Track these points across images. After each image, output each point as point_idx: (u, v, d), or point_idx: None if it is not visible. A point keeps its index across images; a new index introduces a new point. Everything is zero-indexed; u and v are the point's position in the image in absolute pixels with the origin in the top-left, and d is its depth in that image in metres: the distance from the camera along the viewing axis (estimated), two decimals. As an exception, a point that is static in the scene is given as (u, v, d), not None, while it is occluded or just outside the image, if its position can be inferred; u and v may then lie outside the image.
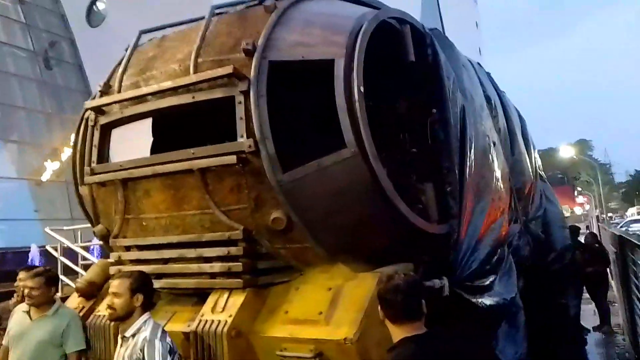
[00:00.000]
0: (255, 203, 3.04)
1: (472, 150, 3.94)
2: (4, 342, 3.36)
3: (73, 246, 7.84)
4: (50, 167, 16.99)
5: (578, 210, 35.91)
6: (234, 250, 3.05)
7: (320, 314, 2.79)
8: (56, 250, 8.10)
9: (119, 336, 2.77)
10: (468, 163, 3.78)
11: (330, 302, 2.84)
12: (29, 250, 13.02)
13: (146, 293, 2.74)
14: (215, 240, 3.12)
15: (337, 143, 2.98)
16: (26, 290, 3.27)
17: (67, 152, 17.03)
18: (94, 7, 19.24)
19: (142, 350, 2.57)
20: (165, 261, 3.38)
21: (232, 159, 2.96)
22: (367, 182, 2.95)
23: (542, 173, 8.28)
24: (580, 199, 36.88)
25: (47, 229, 8.51)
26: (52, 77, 18.05)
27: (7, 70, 17.09)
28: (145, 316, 2.74)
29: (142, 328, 2.68)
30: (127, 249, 3.56)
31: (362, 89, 2.95)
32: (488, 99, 5.34)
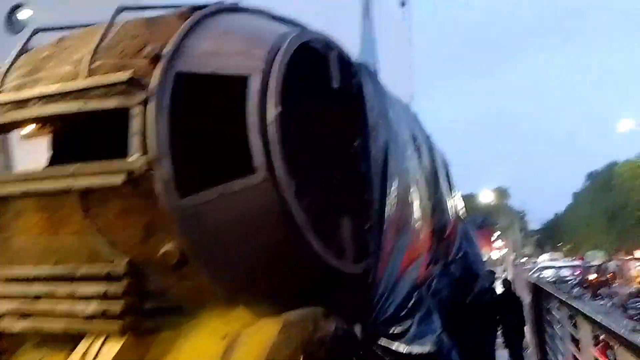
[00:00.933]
0: (146, 231, 2.62)
1: (394, 187, 3.76)
2: None
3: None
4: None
5: (495, 254, 37.57)
6: (113, 288, 2.58)
7: (212, 365, 2.38)
8: None
9: None
10: (389, 199, 3.58)
11: (224, 353, 2.44)
12: None
13: None
14: (93, 275, 2.64)
15: (246, 167, 2.66)
16: None
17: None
18: (16, 14, 17.97)
19: None
20: (35, 297, 2.84)
21: (120, 178, 2.54)
22: (277, 212, 2.63)
23: (464, 215, 8.40)
24: (497, 244, 38.68)
25: None
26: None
27: None
28: None
29: None
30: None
31: (279, 108, 2.67)
32: (414, 138, 5.27)
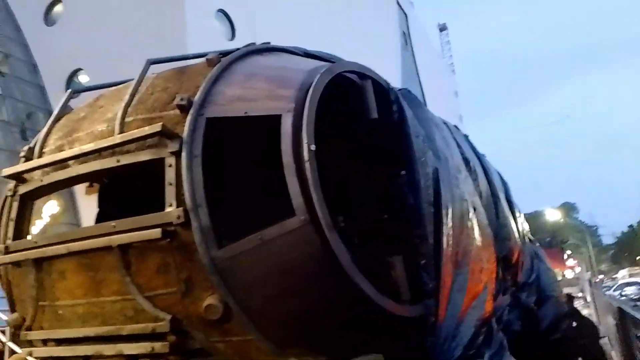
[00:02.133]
0: (186, 286, 2.51)
1: (449, 217, 3.49)
2: None
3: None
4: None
5: (569, 274, 35.25)
6: (159, 346, 2.47)
7: None
8: (4, 333, 7.27)
9: None
10: (444, 231, 3.31)
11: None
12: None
13: None
14: (137, 334, 2.55)
15: (284, 211, 2.51)
16: None
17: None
18: (75, 78, 19.26)
19: None
20: (85, 358, 2.78)
21: (157, 232, 2.46)
22: (321, 257, 2.44)
23: (530, 236, 7.85)
24: (570, 262, 36.36)
25: None
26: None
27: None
28: None
29: None
30: (44, 342, 2.96)
31: (313, 147, 2.52)
32: (467, 161, 4.96)
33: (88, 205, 3.64)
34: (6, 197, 3.28)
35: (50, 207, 16.29)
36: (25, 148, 3.30)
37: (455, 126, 6.34)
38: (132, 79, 3.42)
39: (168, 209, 2.52)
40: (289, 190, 2.48)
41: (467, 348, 3.41)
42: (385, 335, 2.77)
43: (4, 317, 7.41)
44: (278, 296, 2.49)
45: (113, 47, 16.61)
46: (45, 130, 3.18)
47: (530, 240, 7.28)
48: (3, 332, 7.34)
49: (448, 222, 3.44)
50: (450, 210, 3.54)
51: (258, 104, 2.72)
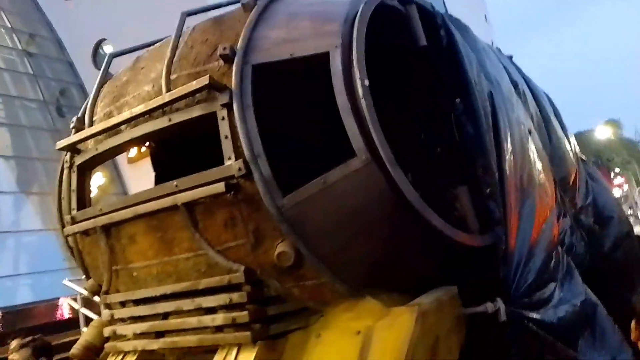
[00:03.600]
0: (255, 237, 2.51)
1: (509, 142, 3.34)
2: None
3: (93, 297, 7.43)
4: (74, 215, 16.85)
5: (617, 192, 34.21)
6: (236, 296, 2.51)
7: (350, 367, 2.22)
8: (76, 301, 7.73)
9: None
10: (506, 157, 3.18)
11: (360, 351, 2.27)
12: (57, 302, 12.77)
13: (47, 355, 2.98)
14: (213, 287, 2.59)
15: (344, 153, 2.44)
16: None
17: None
18: (100, 50, 19.30)
19: None
20: (165, 316, 2.87)
21: (221, 187, 2.44)
22: (387, 195, 2.38)
23: (582, 156, 7.54)
24: (617, 180, 35.24)
25: (64, 281, 8.17)
26: (65, 124, 18.05)
27: (20, 124, 17.17)
28: None
29: None
30: (123, 304, 3.07)
31: (366, 82, 2.41)
32: (515, 84, 4.71)
33: (132, 174, 3.65)
34: (63, 169, 3.33)
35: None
36: (74, 119, 3.32)
37: (498, 48, 6.02)
38: (169, 36, 3.35)
39: (227, 162, 2.48)
40: (346, 130, 2.40)
41: (541, 272, 3.34)
42: (458, 267, 2.73)
43: (74, 287, 7.82)
44: (347, 237, 2.47)
45: (134, 15, 16.48)
46: (91, 98, 3.17)
47: (583, 161, 7.01)
48: (75, 300, 7.77)
49: (508, 148, 3.31)
50: (509, 136, 3.39)
51: (303, 43, 2.60)
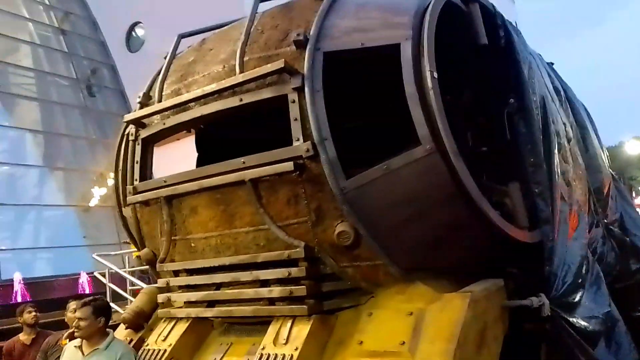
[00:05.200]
0: (316, 215, 2.63)
1: (556, 146, 3.42)
2: None
3: (121, 271, 7.65)
4: (97, 193, 17.18)
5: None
6: (295, 271, 2.64)
7: (403, 344, 2.33)
8: (104, 276, 7.94)
9: (85, 350, 3.01)
10: (555, 159, 3.26)
11: (412, 330, 2.38)
12: (79, 277, 13.08)
13: (107, 316, 3.07)
14: (273, 261, 2.72)
15: (407, 141, 2.55)
16: (74, 322, 2.98)
17: (112, 178, 17.21)
18: (133, 32, 19.60)
19: (120, 358, 2.95)
20: (218, 286, 3.01)
21: (289, 166, 2.57)
22: (448, 185, 2.49)
23: (612, 172, 7.55)
24: (638, 200, 34.73)
25: (94, 255, 8.38)
26: (94, 104, 18.40)
27: (50, 99, 17.54)
28: (111, 334, 3.09)
29: (112, 343, 3.03)
30: (176, 273, 3.22)
31: (435, 74, 2.51)
32: (557, 91, 4.79)
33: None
34: (128, 141, 3.48)
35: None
36: (140, 94, 3.47)
37: (539, 54, 6.07)
38: (236, 20, 3.48)
39: (296, 144, 2.60)
40: (412, 119, 2.51)
41: (576, 276, 3.42)
42: (506, 260, 2.83)
43: (104, 262, 8.01)
44: (405, 223, 2.57)
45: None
46: (161, 75, 3.31)
47: (613, 176, 7.02)
48: (104, 275, 7.97)
49: (555, 151, 3.39)
50: (556, 139, 3.47)
51: (374, 34, 2.71)
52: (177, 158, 4.04)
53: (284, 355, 2.44)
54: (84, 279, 12.57)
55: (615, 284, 4.79)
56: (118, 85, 19.24)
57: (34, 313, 4.78)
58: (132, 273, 7.98)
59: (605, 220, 5.33)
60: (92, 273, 9.61)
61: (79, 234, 17.36)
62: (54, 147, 17.59)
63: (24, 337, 4.67)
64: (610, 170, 7.12)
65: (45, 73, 17.90)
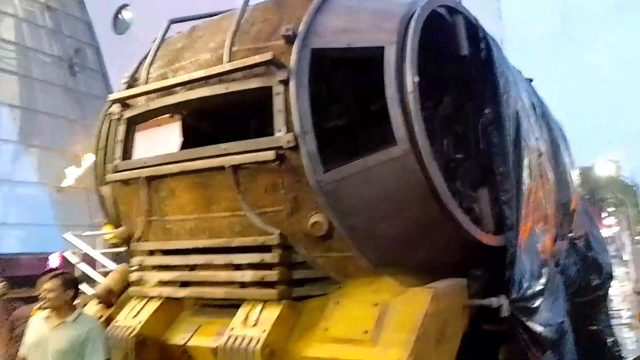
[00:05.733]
0: (292, 205, 2.73)
1: (527, 159, 3.59)
2: (20, 351, 3.06)
3: (92, 252, 7.60)
4: (72, 174, 16.92)
5: (605, 232, 34.60)
6: (268, 257, 2.73)
7: (366, 332, 2.45)
8: (75, 255, 7.86)
9: (52, 323, 2.97)
10: (524, 171, 3.42)
11: (376, 320, 2.49)
12: (47, 256, 12.87)
13: (75, 289, 3.07)
14: (247, 246, 2.81)
15: (384, 140, 2.66)
16: (43, 293, 2.99)
17: (88, 159, 16.97)
18: (120, 15, 19.37)
19: (87, 332, 2.92)
20: (192, 268, 3.08)
21: (270, 155, 2.66)
22: (420, 185, 2.61)
23: (581, 192, 7.81)
24: (607, 221, 35.73)
25: (65, 235, 8.29)
26: (75, 84, 18.11)
27: (31, 75, 17.21)
28: (79, 309, 3.12)
29: (80, 316, 3.01)
30: (151, 253, 3.27)
31: (416, 79, 2.63)
32: (533, 106, 4.98)
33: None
34: (111, 120, 3.52)
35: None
36: (127, 75, 3.51)
37: (519, 70, 6.27)
38: (226, 11, 3.55)
39: (278, 134, 2.69)
40: (391, 120, 2.62)
41: (534, 284, 3.58)
42: (470, 261, 2.96)
43: (76, 241, 7.90)
44: (377, 218, 2.69)
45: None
46: (149, 58, 3.35)
47: (582, 196, 7.27)
48: (74, 254, 7.85)
49: (526, 164, 3.55)
50: (527, 153, 3.64)
51: (361, 35, 2.82)
52: (155, 143, 4.09)
53: (252, 337, 2.52)
54: (53, 258, 12.38)
55: (576, 297, 5.00)
56: (101, 67, 18.98)
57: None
58: (102, 254, 7.93)
59: (571, 235, 5.56)
60: (62, 252, 9.49)
61: (49, 214, 17.09)
62: (32, 123, 17.27)
63: (-9, 307, 4.64)
64: (579, 189, 7.40)
65: (27, 48, 17.56)
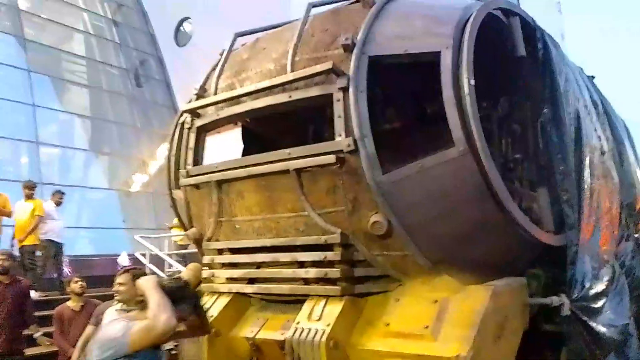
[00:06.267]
0: (353, 205, 2.87)
1: (588, 157, 3.55)
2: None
3: (160, 253, 8.09)
4: (139, 179, 17.88)
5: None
6: (330, 255, 2.88)
7: (427, 327, 2.54)
8: (144, 256, 8.38)
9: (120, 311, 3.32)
10: (586, 169, 3.39)
11: (436, 316, 2.58)
12: (117, 257, 13.73)
13: None
14: (310, 244, 2.97)
15: (441, 143, 2.75)
16: (115, 287, 3.32)
17: (154, 165, 17.87)
18: (182, 27, 20.23)
19: None
20: (258, 265, 3.28)
21: (331, 158, 2.81)
22: (478, 185, 2.67)
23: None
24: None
25: (136, 237, 8.86)
26: (141, 94, 19.11)
27: (100, 86, 18.33)
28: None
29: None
30: (220, 251, 3.51)
31: (472, 81, 2.70)
32: (595, 104, 4.86)
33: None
34: (182, 129, 3.80)
35: (161, 150, 17.81)
36: (197, 87, 3.78)
37: (581, 68, 6.12)
38: (288, 22, 3.74)
39: (338, 139, 2.84)
40: (448, 122, 2.70)
41: (596, 284, 3.53)
42: (530, 261, 2.99)
43: (145, 244, 8.43)
44: (435, 218, 2.77)
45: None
46: (217, 70, 3.60)
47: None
48: (144, 255, 8.40)
49: (587, 163, 3.51)
50: (588, 151, 3.60)
51: (417, 41, 2.92)
52: (219, 148, 4.35)
53: (317, 330, 2.68)
54: (123, 258, 13.18)
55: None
56: (164, 77, 19.91)
57: (80, 283, 5.21)
58: (170, 256, 8.40)
59: (637, 235, 5.37)
60: (132, 254, 10.12)
61: (119, 217, 18.08)
62: (101, 132, 18.36)
63: (72, 304, 5.08)
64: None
65: (96, 62, 18.71)
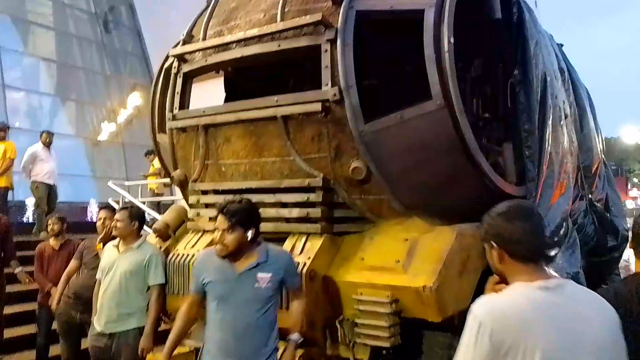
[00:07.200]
0: (335, 152, 3.08)
1: (550, 119, 3.84)
2: (97, 275, 3.60)
3: (135, 200, 8.17)
4: (107, 128, 17.57)
5: (630, 204, 34.40)
6: (312, 196, 3.11)
7: (398, 262, 2.82)
8: (118, 203, 8.44)
9: (120, 249, 3.54)
10: (548, 130, 3.69)
11: (407, 252, 2.86)
12: (86, 205, 13.67)
13: (140, 222, 3.60)
14: (294, 187, 3.19)
15: (421, 96, 2.96)
16: (113, 223, 3.52)
17: (123, 114, 17.56)
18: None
19: (149, 257, 3.46)
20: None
21: (317, 106, 2.99)
22: (451, 137, 2.92)
23: (604, 159, 7.96)
24: (633, 193, 35.34)
25: (109, 183, 8.88)
26: (110, 40, 18.52)
27: (68, 31, 17.68)
28: (143, 237, 3.62)
29: (144, 244, 3.56)
30: (204, 192, 3.68)
31: (452, 40, 2.90)
32: (561, 70, 5.16)
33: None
34: (169, 74, 3.88)
35: (134, 99, 17.47)
36: (184, 32, 3.84)
37: (551, 35, 6.39)
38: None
39: (324, 88, 3.02)
40: (428, 77, 2.91)
41: (552, 234, 3.90)
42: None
43: (119, 190, 8.44)
44: (411, 166, 3.02)
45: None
46: (206, 17, 3.67)
47: (604, 162, 7.44)
48: (117, 202, 8.45)
49: (549, 123, 3.81)
50: (551, 113, 3.89)
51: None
52: (202, 96, 4.44)
53: (298, 262, 2.93)
54: (93, 206, 13.17)
55: (591, 257, 5.30)
56: (135, 25, 19.30)
57: (57, 221, 5.31)
58: (144, 203, 8.50)
59: (590, 197, 5.81)
60: (104, 202, 10.15)
61: (87, 166, 17.82)
62: (69, 79, 17.82)
63: (52, 242, 5.19)
64: (602, 155, 7.55)
65: (63, 4, 17.95)
